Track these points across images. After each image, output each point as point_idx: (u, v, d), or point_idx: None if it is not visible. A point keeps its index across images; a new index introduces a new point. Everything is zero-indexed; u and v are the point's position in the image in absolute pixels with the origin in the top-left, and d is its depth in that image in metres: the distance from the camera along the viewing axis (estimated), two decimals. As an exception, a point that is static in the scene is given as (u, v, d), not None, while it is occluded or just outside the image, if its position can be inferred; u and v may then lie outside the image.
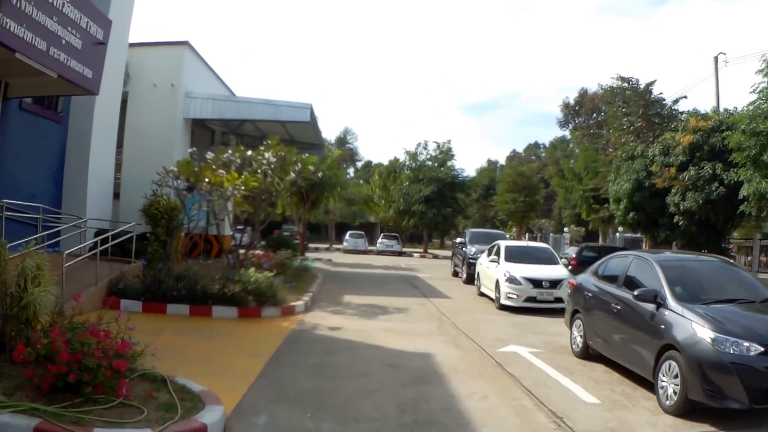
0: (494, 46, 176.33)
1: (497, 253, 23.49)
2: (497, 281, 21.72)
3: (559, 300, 20.28)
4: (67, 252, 15.20)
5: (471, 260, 29.41)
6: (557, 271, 22.10)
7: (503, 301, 20.93)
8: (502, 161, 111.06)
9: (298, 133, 31.92)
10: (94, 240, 17.44)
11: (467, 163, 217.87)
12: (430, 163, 68.19)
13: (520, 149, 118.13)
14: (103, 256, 18.42)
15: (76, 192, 20.99)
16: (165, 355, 10.45)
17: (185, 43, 27.74)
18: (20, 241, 15.48)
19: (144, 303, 16.34)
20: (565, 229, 67.81)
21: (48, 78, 15.44)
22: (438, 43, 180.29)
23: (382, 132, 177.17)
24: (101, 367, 7.50)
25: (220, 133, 32.74)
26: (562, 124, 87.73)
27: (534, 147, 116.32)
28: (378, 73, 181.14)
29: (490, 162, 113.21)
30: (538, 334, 16.31)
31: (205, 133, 32.02)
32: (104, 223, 20.59)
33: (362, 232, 69.33)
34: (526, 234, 69.20)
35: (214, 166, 18.97)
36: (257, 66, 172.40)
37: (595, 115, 76.33)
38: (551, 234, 69.51)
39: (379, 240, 67.34)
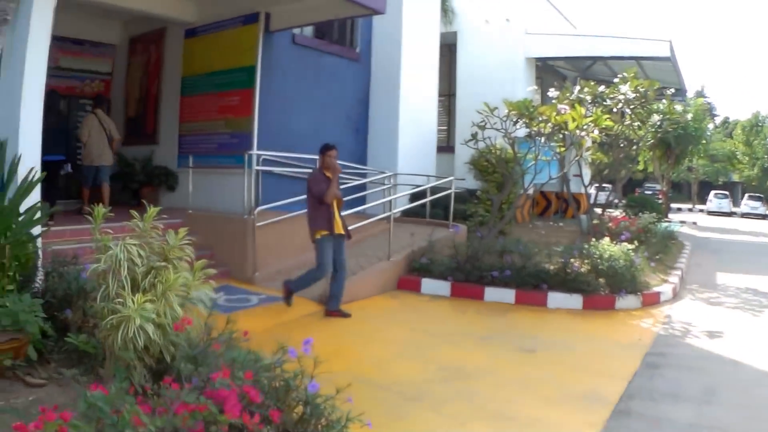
0: None
1: None
2: None
3: None
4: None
5: None
6: None
7: None
8: None
9: (655, 75, 25.67)
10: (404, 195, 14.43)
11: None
12: (798, 114, 57.96)
13: None
14: (421, 219, 15.12)
15: (384, 144, 17.19)
16: (436, 389, 6.77)
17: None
18: (281, 201, 12.47)
19: (453, 285, 11.99)
20: None
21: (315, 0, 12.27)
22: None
23: (738, 88, 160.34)
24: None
25: (573, 79, 27.32)
26: None
27: None
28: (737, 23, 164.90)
29: None
30: None
31: (553, 79, 26.90)
32: (424, 182, 16.29)
33: (726, 192, 60.32)
34: None
35: (559, 106, 14.19)
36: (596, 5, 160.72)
37: None
38: None
39: (744, 201, 57.95)
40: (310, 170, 14.07)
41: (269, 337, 8.10)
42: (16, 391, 5.20)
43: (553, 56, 23.47)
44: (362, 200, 14.46)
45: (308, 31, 15.51)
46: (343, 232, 10.02)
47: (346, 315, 9.83)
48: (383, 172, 15.39)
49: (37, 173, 6.80)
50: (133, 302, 4.73)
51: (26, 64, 8.46)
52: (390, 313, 10.55)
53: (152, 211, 5.44)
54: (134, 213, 5.52)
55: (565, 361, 8.26)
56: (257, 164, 13.26)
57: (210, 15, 14.27)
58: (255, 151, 13.19)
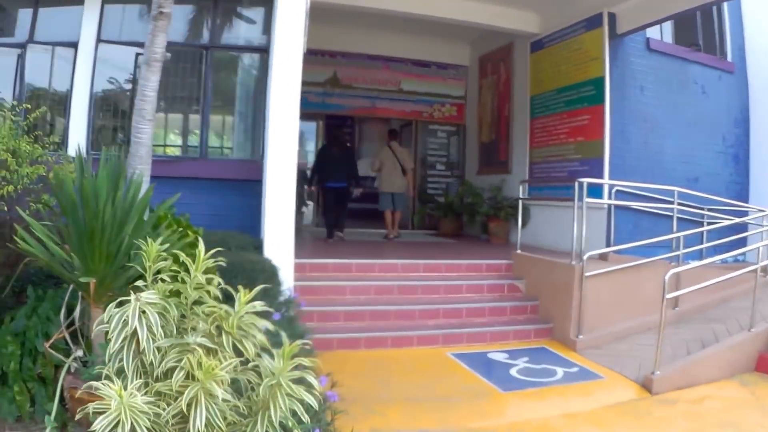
0: None
1: None
2: None
3: None
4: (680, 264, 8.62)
5: None
6: None
7: None
8: None
9: None
10: None
11: None
12: None
13: None
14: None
15: (765, 175, 13.48)
16: None
17: None
18: (630, 244, 9.91)
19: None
20: None
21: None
22: None
23: None
24: None
25: None
26: None
27: None
28: None
29: None
30: None
31: None
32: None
33: None
34: None
35: None
36: None
37: None
38: None
39: None
40: (669, 205, 11.23)
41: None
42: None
43: None
44: (741, 245, 11.21)
45: (667, 36, 12.65)
46: None
47: None
48: (762, 210, 11.83)
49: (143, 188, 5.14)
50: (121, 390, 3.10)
51: (271, 84, 7.86)
52: (728, 413, 6.66)
53: (201, 256, 3.51)
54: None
55: None
56: (608, 197, 10.94)
57: (552, 23, 12.63)
58: (604, 180, 11.09)
